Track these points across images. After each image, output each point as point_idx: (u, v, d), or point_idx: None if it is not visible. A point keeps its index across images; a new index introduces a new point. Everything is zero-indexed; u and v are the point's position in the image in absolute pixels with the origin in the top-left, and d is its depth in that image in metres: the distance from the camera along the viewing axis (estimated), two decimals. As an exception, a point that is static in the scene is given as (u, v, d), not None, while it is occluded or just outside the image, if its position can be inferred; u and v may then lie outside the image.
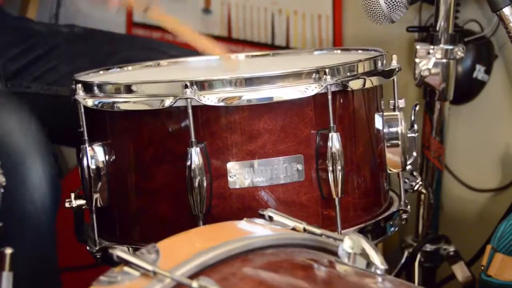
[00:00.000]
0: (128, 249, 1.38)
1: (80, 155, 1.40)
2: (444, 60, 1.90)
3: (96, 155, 1.41)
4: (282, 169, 1.36)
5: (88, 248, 1.46)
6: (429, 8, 2.11)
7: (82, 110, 1.40)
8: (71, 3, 2.82)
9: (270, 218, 1.17)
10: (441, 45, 1.89)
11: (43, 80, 1.97)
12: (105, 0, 1.78)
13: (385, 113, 1.47)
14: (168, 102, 1.32)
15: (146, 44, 2.11)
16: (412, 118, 1.53)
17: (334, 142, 1.34)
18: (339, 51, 1.79)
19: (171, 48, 2.07)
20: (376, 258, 1.06)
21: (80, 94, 1.40)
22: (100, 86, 1.40)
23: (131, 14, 2.78)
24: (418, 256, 1.99)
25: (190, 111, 1.31)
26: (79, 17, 2.66)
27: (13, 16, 2.16)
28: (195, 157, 1.31)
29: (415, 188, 1.55)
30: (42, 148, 1.66)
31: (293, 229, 1.15)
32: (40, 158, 1.64)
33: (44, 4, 2.77)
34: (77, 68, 1.71)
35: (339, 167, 1.34)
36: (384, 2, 1.53)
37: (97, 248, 1.44)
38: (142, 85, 1.36)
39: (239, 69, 1.64)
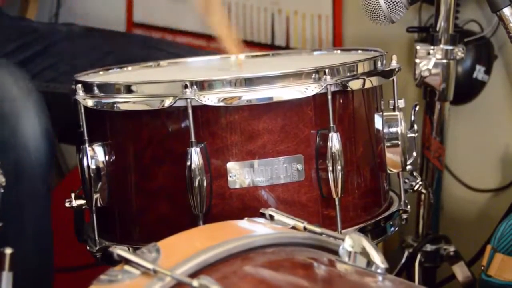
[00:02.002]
0: (128, 249, 1.38)
1: (80, 155, 1.40)
2: (444, 61, 1.90)
3: (96, 155, 1.41)
4: (282, 169, 1.36)
5: (88, 248, 1.46)
6: (429, 9, 2.11)
7: (82, 110, 1.40)
8: (71, 3, 2.82)
9: (271, 217, 1.17)
10: (441, 46, 1.89)
11: (41, 77, 1.97)
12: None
13: (385, 113, 1.47)
14: (168, 102, 1.32)
15: (145, 42, 2.11)
16: (412, 118, 1.53)
17: (334, 142, 1.34)
18: (339, 51, 1.79)
19: (170, 46, 2.07)
20: (377, 257, 1.06)
21: (80, 94, 1.40)
22: (100, 86, 1.40)
23: (131, 13, 2.78)
24: (418, 256, 1.99)
25: (190, 111, 1.31)
26: (79, 17, 2.66)
27: (11, 16, 2.15)
28: (195, 157, 1.31)
29: (415, 188, 1.55)
30: (35, 100, 1.65)
31: (294, 228, 1.15)
32: (34, 109, 1.64)
33: (43, 5, 2.77)
34: (75, 66, 1.71)
35: (339, 167, 1.35)
36: (384, 2, 1.53)
37: (97, 247, 1.44)
38: (142, 85, 1.36)
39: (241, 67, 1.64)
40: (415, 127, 1.52)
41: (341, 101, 1.40)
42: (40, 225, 1.69)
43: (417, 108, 1.54)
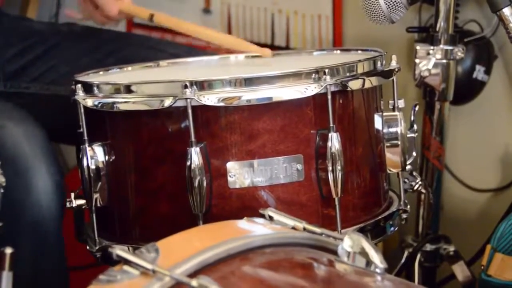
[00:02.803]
0: (128, 249, 1.38)
1: (80, 155, 1.40)
2: (444, 61, 1.90)
3: (96, 155, 1.41)
4: (282, 169, 1.36)
5: (88, 247, 1.46)
6: (429, 9, 2.11)
7: (82, 110, 1.40)
8: (71, 3, 2.82)
9: (270, 217, 1.17)
10: (441, 46, 1.89)
11: (42, 80, 1.97)
12: (102, 15, 1.78)
13: (384, 113, 1.47)
14: (167, 102, 1.32)
15: (145, 42, 2.11)
16: (412, 118, 1.53)
17: (334, 142, 1.34)
18: (338, 51, 1.79)
19: (170, 46, 2.07)
20: (376, 257, 1.06)
21: (80, 94, 1.41)
22: (100, 86, 1.40)
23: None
24: (418, 256, 1.99)
25: (190, 111, 1.31)
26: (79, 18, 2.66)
27: (12, 16, 2.15)
28: (195, 157, 1.31)
29: (415, 188, 1.56)
30: (48, 157, 1.66)
31: (293, 228, 1.15)
32: (47, 167, 1.65)
33: (44, 4, 2.77)
34: (76, 68, 1.71)
35: (338, 167, 1.35)
36: (384, 2, 1.53)
37: (97, 247, 1.44)
38: (142, 85, 1.36)
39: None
40: (415, 127, 1.52)
41: (340, 101, 1.40)
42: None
43: (416, 108, 1.54)
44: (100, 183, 1.42)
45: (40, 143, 1.68)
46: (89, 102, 1.39)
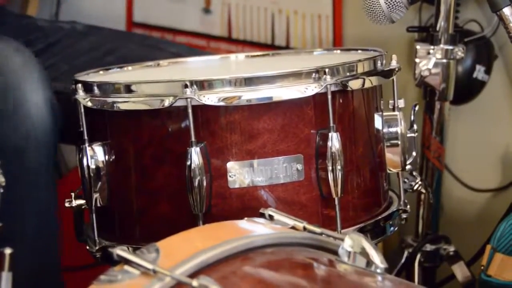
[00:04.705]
0: (128, 249, 1.38)
1: (80, 155, 1.40)
2: (444, 60, 1.90)
3: (96, 155, 1.41)
4: (282, 169, 1.36)
5: (88, 247, 1.46)
6: (429, 8, 2.11)
7: (82, 110, 1.40)
8: (71, 2, 2.82)
9: (271, 217, 1.17)
10: (441, 45, 1.89)
11: None
12: None
13: (384, 113, 1.47)
14: (168, 102, 1.32)
15: (145, 41, 2.11)
16: (412, 118, 1.53)
17: (334, 142, 1.34)
18: (338, 51, 1.79)
19: (170, 45, 2.07)
20: (376, 257, 1.06)
21: (80, 94, 1.40)
22: (100, 86, 1.40)
23: (131, 13, 2.78)
24: (418, 256, 1.99)
25: (190, 110, 1.31)
26: (79, 15, 2.66)
27: (14, 13, 2.16)
28: (195, 157, 1.31)
29: (415, 188, 1.55)
30: (38, 71, 1.65)
31: (293, 228, 1.15)
32: (37, 79, 1.64)
33: (44, 4, 2.77)
34: (76, 66, 1.71)
35: (338, 167, 1.35)
36: (384, 2, 1.53)
37: (97, 247, 1.44)
38: (142, 85, 1.36)
39: None
40: (415, 127, 1.52)
41: (341, 100, 1.40)
42: (44, 215, 1.69)
43: (416, 108, 1.54)
44: (100, 183, 1.41)
45: (31, 59, 1.67)
46: (89, 102, 1.39)
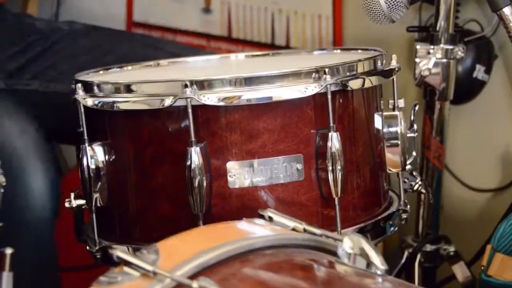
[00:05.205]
0: (128, 249, 1.38)
1: (80, 155, 1.40)
2: (444, 60, 1.90)
3: (96, 155, 1.41)
4: (282, 169, 1.36)
5: (88, 248, 1.46)
6: (429, 8, 2.11)
7: (82, 109, 1.40)
8: (71, 2, 2.82)
9: (270, 219, 1.17)
10: (441, 45, 1.89)
11: (42, 77, 1.97)
12: None
13: (384, 113, 1.47)
14: (168, 101, 1.32)
15: (145, 41, 2.11)
16: (412, 118, 1.53)
17: (334, 141, 1.34)
18: (338, 51, 1.79)
19: (170, 45, 2.07)
20: (376, 259, 1.06)
21: (80, 93, 1.40)
22: (100, 85, 1.40)
23: (131, 13, 2.78)
24: (418, 256, 1.99)
25: (190, 110, 1.30)
26: (79, 15, 2.66)
27: (14, 13, 2.15)
28: (195, 156, 1.31)
29: (415, 188, 1.55)
30: (42, 153, 1.66)
31: (293, 229, 1.15)
32: (41, 164, 1.65)
33: (44, 3, 2.77)
34: (76, 66, 1.70)
35: (338, 167, 1.34)
36: (384, 2, 1.53)
37: (97, 248, 1.43)
38: (142, 84, 1.36)
39: None
40: (415, 126, 1.52)
41: (341, 100, 1.40)
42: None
43: (416, 108, 1.54)
44: (100, 183, 1.41)
45: (34, 141, 1.67)
46: (89, 101, 1.39)
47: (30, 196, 1.62)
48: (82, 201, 1.44)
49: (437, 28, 1.89)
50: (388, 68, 1.47)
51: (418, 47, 1.90)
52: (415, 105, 1.54)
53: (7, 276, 1.11)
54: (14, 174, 1.61)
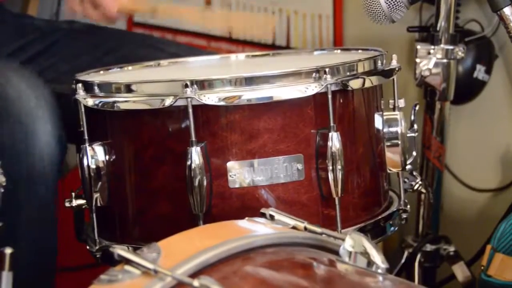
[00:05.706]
0: (128, 249, 1.38)
1: (80, 155, 1.40)
2: (445, 60, 1.90)
3: (96, 155, 1.41)
4: (282, 169, 1.36)
5: (88, 247, 1.46)
6: (430, 8, 2.11)
7: (83, 109, 1.40)
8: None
9: (271, 217, 1.17)
10: (442, 45, 1.89)
11: (42, 77, 1.97)
12: (101, 13, 1.77)
13: (385, 113, 1.47)
14: (168, 101, 1.32)
15: (145, 40, 2.11)
16: (412, 118, 1.53)
17: (334, 141, 1.34)
18: (339, 51, 1.79)
19: (170, 45, 2.06)
20: (377, 257, 1.06)
21: (81, 93, 1.40)
22: (101, 85, 1.40)
23: (131, 13, 2.78)
24: (418, 256, 2.00)
25: (190, 110, 1.30)
26: (80, 15, 2.66)
27: (14, 13, 2.15)
28: (195, 156, 1.31)
29: (415, 188, 1.55)
30: (50, 108, 1.66)
31: (294, 228, 1.15)
32: (49, 117, 1.64)
33: (44, 3, 2.76)
34: (76, 66, 1.70)
35: (339, 167, 1.34)
36: (385, 2, 1.53)
37: (97, 247, 1.43)
38: (142, 84, 1.36)
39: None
40: (415, 126, 1.52)
41: (341, 100, 1.40)
42: (42, 235, 1.70)
43: (417, 108, 1.54)
44: (100, 182, 1.41)
45: (45, 97, 1.67)
46: (90, 101, 1.39)
47: (38, 147, 1.62)
48: (82, 201, 1.44)
49: (438, 28, 1.89)
50: (388, 68, 1.47)
51: (418, 47, 1.91)
52: (415, 105, 1.54)
53: (7, 275, 1.11)
54: (24, 128, 1.61)
